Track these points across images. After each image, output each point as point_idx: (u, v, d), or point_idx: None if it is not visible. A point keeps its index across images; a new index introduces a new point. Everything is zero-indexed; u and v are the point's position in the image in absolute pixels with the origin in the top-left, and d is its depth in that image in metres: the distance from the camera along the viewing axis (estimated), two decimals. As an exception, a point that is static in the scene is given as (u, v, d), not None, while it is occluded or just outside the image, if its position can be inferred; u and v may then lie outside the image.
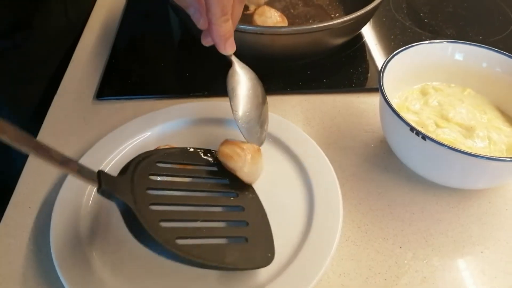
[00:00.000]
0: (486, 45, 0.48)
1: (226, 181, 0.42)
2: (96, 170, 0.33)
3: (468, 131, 0.44)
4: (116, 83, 0.59)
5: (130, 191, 0.34)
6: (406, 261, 0.39)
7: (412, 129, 0.39)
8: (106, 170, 0.45)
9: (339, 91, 0.57)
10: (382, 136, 0.50)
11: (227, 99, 0.43)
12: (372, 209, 0.43)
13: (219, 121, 0.50)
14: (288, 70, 0.60)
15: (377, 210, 0.43)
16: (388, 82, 0.44)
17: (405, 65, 0.48)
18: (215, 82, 0.57)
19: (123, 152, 0.47)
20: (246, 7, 0.67)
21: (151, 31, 0.70)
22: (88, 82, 0.59)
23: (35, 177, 0.46)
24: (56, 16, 0.65)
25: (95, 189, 0.36)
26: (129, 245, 0.39)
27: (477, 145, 0.43)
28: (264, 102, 0.46)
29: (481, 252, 0.40)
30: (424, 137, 0.38)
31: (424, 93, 0.49)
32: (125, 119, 0.50)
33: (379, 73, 0.44)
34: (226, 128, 0.50)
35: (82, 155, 0.46)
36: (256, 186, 0.43)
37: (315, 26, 0.53)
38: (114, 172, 0.36)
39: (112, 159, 0.46)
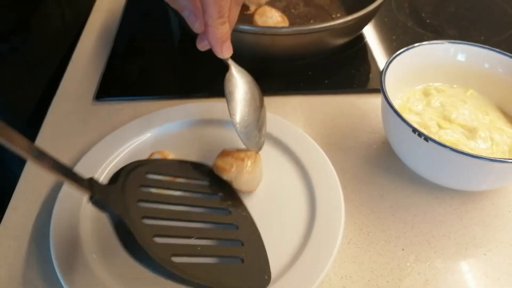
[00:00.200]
0: (488, 45, 0.48)
1: (219, 197, 0.40)
2: (92, 174, 0.32)
3: (471, 132, 0.44)
4: (115, 84, 0.58)
5: (122, 202, 0.33)
6: (408, 264, 0.39)
7: (414, 130, 0.39)
8: (106, 172, 0.45)
9: (340, 92, 0.56)
10: (384, 137, 0.50)
11: (227, 100, 0.43)
12: (374, 211, 0.43)
13: (219, 122, 0.50)
14: (289, 71, 0.59)
15: (379, 212, 0.43)
16: (390, 83, 0.44)
17: (407, 66, 0.47)
18: (215, 83, 0.56)
19: (123, 153, 0.47)
20: (246, 7, 0.67)
21: (151, 31, 0.70)
22: (88, 83, 0.58)
23: (34, 178, 0.46)
24: (53, 18, 0.65)
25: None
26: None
27: (479, 146, 0.42)
28: (261, 105, 0.46)
29: (484, 254, 0.40)
30: (427, 138, 0.38)
31: (426, 94, 0.49)
32: (125, 120, 0.50)
33: (381, 73, 0.44)
34: (227, 129, 0.49)
35: (81, 156, 0.46)
36: (257, 188, 0.43)
37: (316, 26, 0.53)
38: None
39: (112, 160, 0.46)
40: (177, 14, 0.42)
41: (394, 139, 0.45)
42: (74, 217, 0.40)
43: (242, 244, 0.37)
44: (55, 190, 0.44)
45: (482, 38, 0.66)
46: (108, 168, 0.45)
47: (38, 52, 0.64)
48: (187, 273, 0.31)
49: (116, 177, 0.35)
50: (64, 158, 0.47)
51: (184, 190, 0.40)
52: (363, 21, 0.59)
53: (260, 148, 0.44)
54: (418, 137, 0.39)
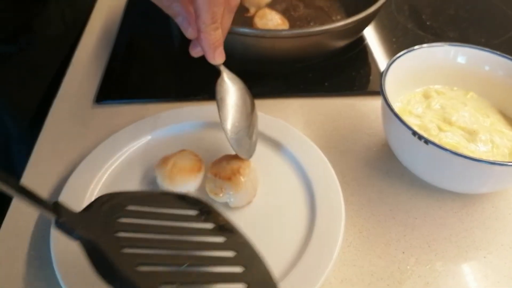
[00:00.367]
0: (488, 47, 0.48)
1: (211, 226, 0.35)
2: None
3: (471, 135, 0.43)
4: (116, 86, 0.58)
5: (96, 229, 0.30)
6: (408, 267, 0.39)
7: (414, 133, 0.39)
8: (106, 176, 0.45)
9: (340, 94, 0.56)
10: (384, 139, 0.50)
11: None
12: (374, 214, 0.43)
13: (220, 125, 0.50)
14: (289, 73, 0.59)
15: (379, 215, 0.43)
16: (390, 85, 0.44)
17: (407, 68, 0.47)
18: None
19: (123, 156, 0.47)
20: (246, 10, 0.67)
21: (151, 34, 0.70)
22: (88, 86, 0.58)
23: (35, 181, 0.46)
24: (54, 20, 0.66)
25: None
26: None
27: (480, 149, 0.42)
28: (253, 112, 0.45)
29: (484, 257, 0.40)
30: (427, 141, 0.38)
31: (426, 96, 0.49)
32: (125, 123, 0.50)
33: (381, 76, 0.44)
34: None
35: (81, 159, 0.46)
36: (257, 191, 0.43)
37: (316, 29, 0.53)
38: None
39: (112, 163, 0.46)
40: (172, 19, 0.42)
41: (394, 142, 0.45)
42: (74, 220, 0.40)
43: (246, 268, 0.33)
44: (56, 192, 0.44)
45: (482, 40, 0.66)
46: (109, 172, 0.45)
47: (41, 53, 0.64)
48: None
49: (89, 207, 0.32)
50: (64, 161, 0.48)
51: (169, 220, 0.34)
52: (363, 23, 0.59)
53: (251, 155, 0.43)
54: (418, 140, 0.39)
